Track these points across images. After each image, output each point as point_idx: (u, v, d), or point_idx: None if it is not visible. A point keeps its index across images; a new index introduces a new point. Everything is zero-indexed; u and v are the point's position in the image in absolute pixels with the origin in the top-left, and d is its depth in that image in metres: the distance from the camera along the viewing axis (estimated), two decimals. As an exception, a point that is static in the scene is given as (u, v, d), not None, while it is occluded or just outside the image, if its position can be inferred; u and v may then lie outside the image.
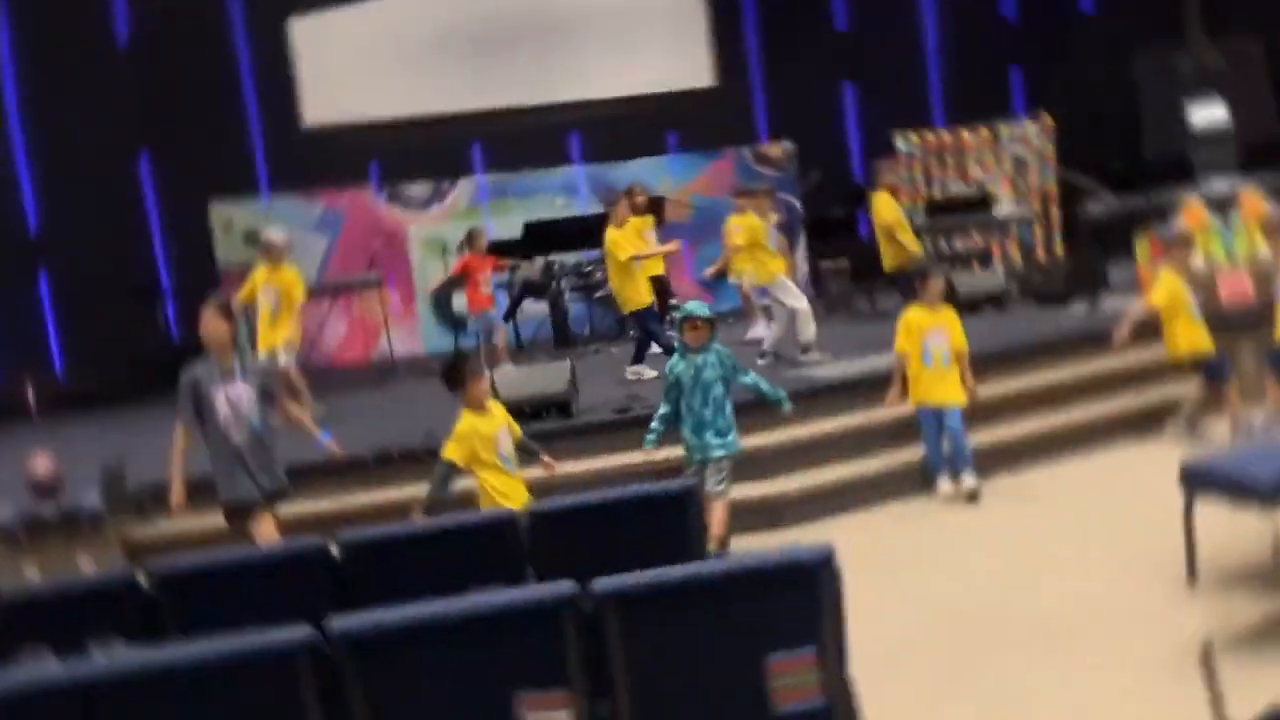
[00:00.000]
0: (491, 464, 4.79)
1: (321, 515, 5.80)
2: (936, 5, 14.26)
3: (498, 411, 4.91)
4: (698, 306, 5.35)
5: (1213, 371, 6.22)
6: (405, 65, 12.80)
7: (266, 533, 4.89)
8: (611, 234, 7.77)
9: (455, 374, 4.81)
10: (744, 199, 8.60)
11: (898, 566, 5.07)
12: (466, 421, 4.77)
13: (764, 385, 5.39)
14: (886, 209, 8.91)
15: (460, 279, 9.37)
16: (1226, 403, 6.21)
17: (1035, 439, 6.59)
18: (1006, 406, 6.77)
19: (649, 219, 9.51)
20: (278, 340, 7.91)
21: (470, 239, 9.62)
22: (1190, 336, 6.18)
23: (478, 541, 3.64)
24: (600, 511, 3.71)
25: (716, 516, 5.22)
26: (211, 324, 4.76)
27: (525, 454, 4.96)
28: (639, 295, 7.81)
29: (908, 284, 6.26)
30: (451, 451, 4.73)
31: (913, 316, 6.05)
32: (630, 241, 7.81)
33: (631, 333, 8.21)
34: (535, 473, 5.99)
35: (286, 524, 5.26)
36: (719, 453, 5.24)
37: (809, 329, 7.74)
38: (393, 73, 12.74)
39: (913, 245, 8.84)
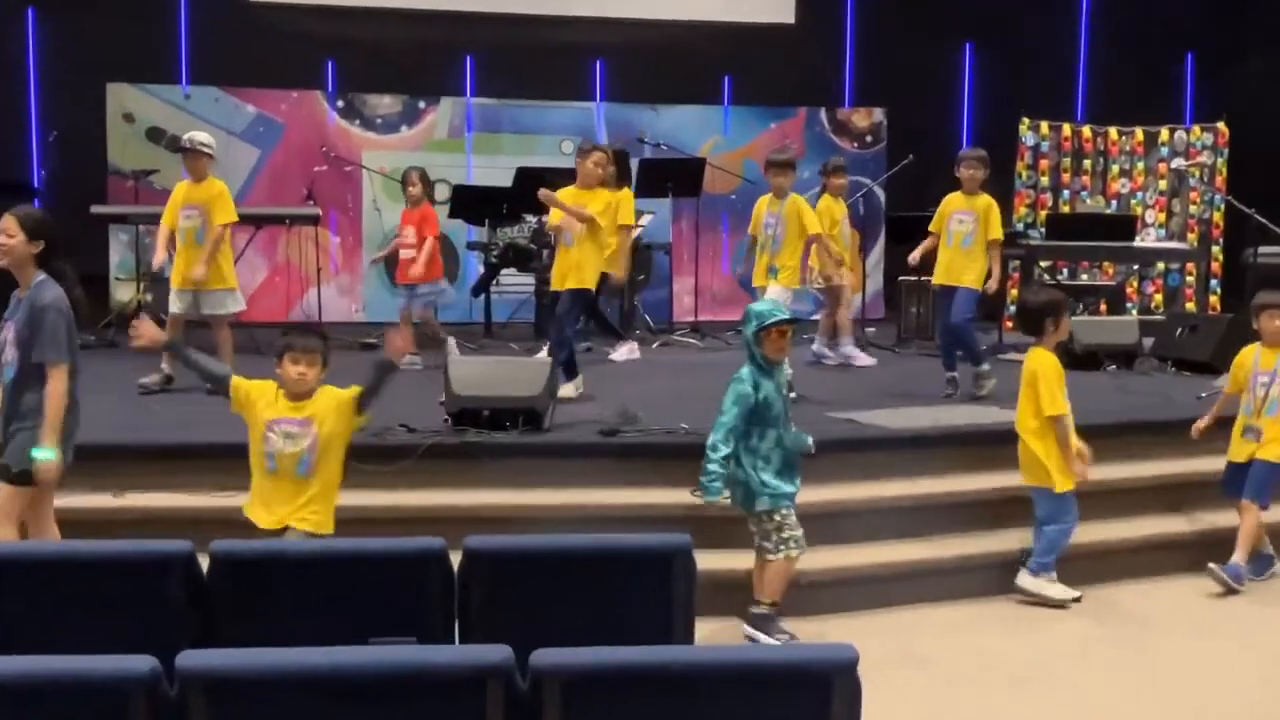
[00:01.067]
0: (255, 453, 4.90)
1: (197, 514, 5.79)
2: (1098, -40, 14.29)
3: (315, 407, 4.88)
4: (776, 307, 5.47)
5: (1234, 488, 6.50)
6: (391, -60, 12.84)
7: None
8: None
9: (281, 338, 5.01)
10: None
11: (937, 687, 5.06)
12: (265, 383, 4.94)
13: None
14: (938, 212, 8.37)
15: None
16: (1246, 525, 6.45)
17: (1144, 544, 6.57)
18: (1114, 498, 6.75)
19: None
20: (208, 280, 7.97)
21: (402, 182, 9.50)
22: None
23: (392, 577, 3.64)
24: (559, 560, 3.71)
25: (787, 575, 5.43)
26: (7, 238, 4.85)
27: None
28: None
29: (1031, 319, 6.22)
30: (236, 383, 4.95)
31: (1056, 364, 6.09)
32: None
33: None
34: (460, 499, 6.02)
35: (146, 519, 5.27)
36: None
37: None
38: (373, -53, 12.80)
39: (953, 266, 8.13)
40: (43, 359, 4.85)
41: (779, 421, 5.38)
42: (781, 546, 5.32)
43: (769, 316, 5.36)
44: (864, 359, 9.67)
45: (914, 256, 8.38)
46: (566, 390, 7.57)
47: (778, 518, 5.33)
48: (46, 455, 4.80)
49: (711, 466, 5.27)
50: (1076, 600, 6.02)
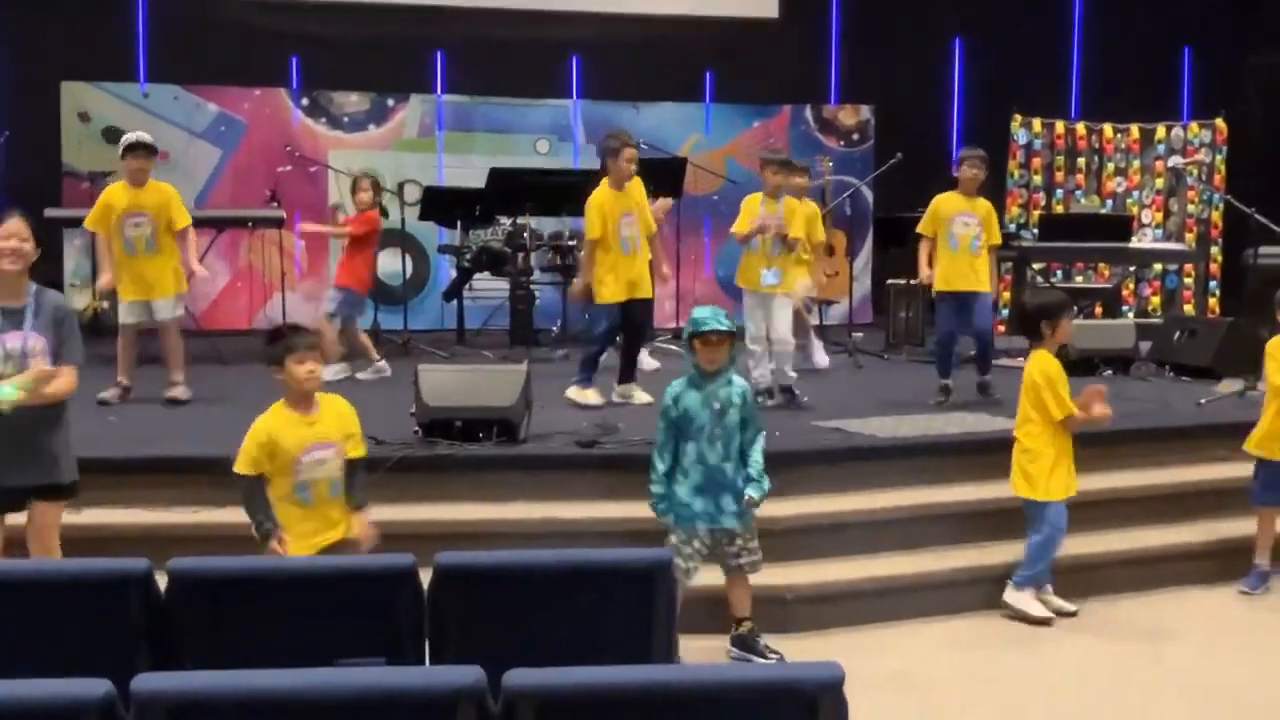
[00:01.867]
0: (283, 490, 4.77)
1: (155, 530, 5.78)
2: (1093, -49, 14.34)
3: (331, 417, 4.85)
4: (713, 315, 5.32)
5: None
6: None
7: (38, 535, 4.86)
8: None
9: (271, 346, 4.84)
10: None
11: (928, 707, 5.07)
12: (268, 420, 4.79)
13: (756, 462, 5.34)
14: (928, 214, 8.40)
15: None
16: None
17: (1141, 557, 6.59)
18: (1109, 509, 6.78)
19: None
20: (168, 287, 8.00)
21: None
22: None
23: (358, 596, 3.63)
24: (535, 577, 3.71)
25: (741, 595, 5.39)
26: (21, 242, 4.72)
27: (347, 493, 4.88)
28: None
29: (1026, 323, 6.19)
30: (241, 464, 4.76)
31: (1057, 367, 6.06)
32: (607, 208, 7.77)
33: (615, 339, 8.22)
34: (431, 514, 6.01)
35: (103, 536, 5.23)
36: (732, 523, 5.29)
37: (786, 366, 7.99)
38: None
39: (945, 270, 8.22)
40: (72, 360, 4.81)
41: (701, 435, 5.26)
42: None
43: (700, 324, 5.29)
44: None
45: (927, 274, 8.29)
46: (591, 397, 7.85)
47: (672, 538, 5.28)
48: (11, 394, 4.57)
49: (651, 486, 5.37)
50: (1073, 614, 6.03)
